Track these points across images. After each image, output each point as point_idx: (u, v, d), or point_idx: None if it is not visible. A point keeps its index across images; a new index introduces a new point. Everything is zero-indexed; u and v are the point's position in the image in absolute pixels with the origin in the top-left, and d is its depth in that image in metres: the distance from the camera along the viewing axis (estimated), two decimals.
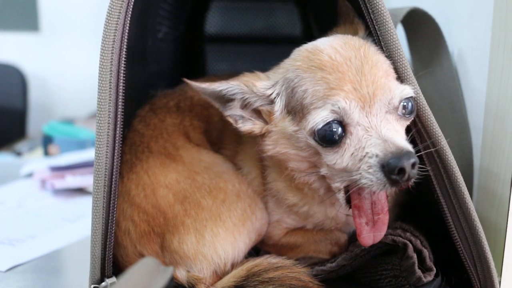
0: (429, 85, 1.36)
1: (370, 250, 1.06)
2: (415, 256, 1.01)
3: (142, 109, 1.27)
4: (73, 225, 1.55)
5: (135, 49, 1.15)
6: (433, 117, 0.97)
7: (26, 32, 3.81)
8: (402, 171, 0.82)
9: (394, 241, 1.03)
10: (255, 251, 1.15)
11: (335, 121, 0.88)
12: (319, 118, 0.88)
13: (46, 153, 2.34)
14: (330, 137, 0.88)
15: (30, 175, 1.98)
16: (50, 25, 3.79)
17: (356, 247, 1.07)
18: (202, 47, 1.94)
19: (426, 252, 1.02)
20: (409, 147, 0.87)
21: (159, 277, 0.69)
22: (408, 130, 1.01)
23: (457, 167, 0.99)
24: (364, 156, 0.85)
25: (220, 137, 1.23)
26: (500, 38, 1.16)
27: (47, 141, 2.32)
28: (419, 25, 1.38)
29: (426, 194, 1.06)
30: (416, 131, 0.99)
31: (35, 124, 3.58)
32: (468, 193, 1.00)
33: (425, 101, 0.97)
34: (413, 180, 0.85)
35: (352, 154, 0.87)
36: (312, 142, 0.91)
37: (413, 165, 0.82)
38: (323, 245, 1.13)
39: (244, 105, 1.02)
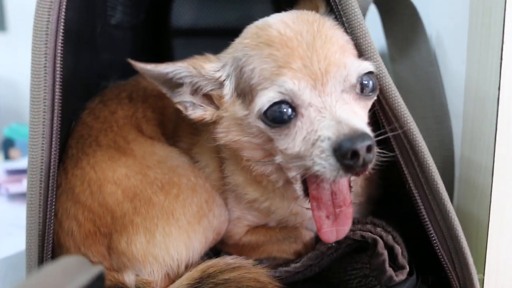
0: (406, 71, 1.33)
1: (338, 248, 1.02)
2: (385, 253, 0.97)
3: (92, 101, 1.23)
4: None
5: (80, 34, 1.11)
6: (400, 97, 0.94)
7: None
8: (355, 154, 0.77)
9: (363, 237, 0.99)
10: (215, 253, 1.11)
11: (284, 102, 0.84)
12: (265, 99, 0.84)
13: (7, 157, 2.29)
14: (279, 118, 0.84)
15: None
16: (17, 24, 3.75)
17: (323, 245, 1.04)
18: (168, 41, 1.90)
19: (398, 249, 0.99)
20: (365, 128, 0.82)
21: (78, 277, 0.65)
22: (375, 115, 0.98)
23: (428, 152, 0.96)
24: (317, 139, 0.81)
25: (176, 129, 1.20)
26: (478, 17, 1.13)
27: (8, 144, 2.28)
28: (395, 6, 1.35)
29: (399, 187, 1.03)
30: (383, 113, 0.96)
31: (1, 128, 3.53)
32: (441, 181, 0.96)
33: (390, 79, 0.93)
34: (370, 166, 0.81)
35: (304, 137, 0.83)
36: (261, 125, 0.87)
37: (368, 148, 0.78)
38: (287, 244, 1.09)
39: (194, 90, 0.98)
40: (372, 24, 1.33)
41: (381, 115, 0.96)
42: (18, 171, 1.86)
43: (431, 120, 1.27)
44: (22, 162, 2.06)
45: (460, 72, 1.21)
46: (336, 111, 0.82)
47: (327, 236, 0.90)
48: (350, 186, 0.92)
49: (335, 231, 0.90)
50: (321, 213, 0.90)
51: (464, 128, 1.20)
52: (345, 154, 0.77)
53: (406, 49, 1.35)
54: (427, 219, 0.99)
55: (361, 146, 0.77)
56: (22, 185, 1.78)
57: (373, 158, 0.80)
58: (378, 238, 0.98)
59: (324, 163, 0.80)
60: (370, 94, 0.89)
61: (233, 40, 0.99)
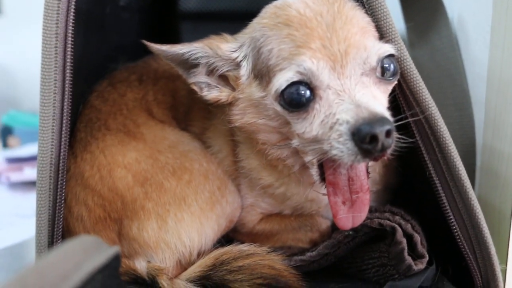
0: (426, 56, 1.35)
1: (355, 236, 1.04)
2: (404, 241, 0.99)
3: (100, 84, 1.26)
4: (30, 221, 1.53)
5: (89, 15, 1.13)
6: (422, 81, 0.96)
7: None
8: (374, 139, 0.79)
9: (381, 225, 1.01)
10: (227, 241, 1.13)
11: (302, 83, 0.86)
12: (283, 79, 0.86)
13: (5, 145, 2.32)
14: (297, 100, 0.86)
15: None
16: (14, 8, 3.78)
17: (339, 233, 1.06)
18: (176, 24, 1.92)
19: (417, 237, 1.01)
20: (384, 112, 0.84)
21: (97, 255, 0.67)
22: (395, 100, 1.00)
23: (451, 138, 0.98)
24: (335, 123, 0.83)
25: (188, 113, 1.22)
26: (502, 0, 1.15)
27: (6, 132, 2.31)
28: None
29: (419, 174, 1.05)
30: (403, 98, 0.98)
31: None
32: (463, 168, 0.98)
33: (412, 63, 0.95)
34: (389, 151, 0.83)
35: (322, 121, 0.85)
36: (278, 108, 0.89)
37: (387, 133, 0.80)
38: (302, 233, 1.11)
39: (210, 71, 1.01)
40: (390, 7, 1.34)
41: (401, 99, 0.98)
42: (18, 159, 1.89)
43: (452, 107, 1.29)
44: (21, 150, 2.09)
45: (482, 57, 1.23)
46: (355, 94, 0.84)
47: (343, 223, 0.92)
48: (367, 172, 0.94)
49: (351, 217, 0.92)
50: (337, 198, 0.92)
51: (486, 116, 1.22)
52: (364, 138, 0.79)
53: (426, 33, 1.36)
54: (448, 207, 1.00)
55: (380, 131, 0.79)
56: (22, 174, 1.81)
57: (392, 143, 0.82)
58: (396, 226, 1.00)
59: (342, 147, 0.82)
60: (391, 78, 0.91)
61: (243, 25, 1.02)
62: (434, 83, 1.32)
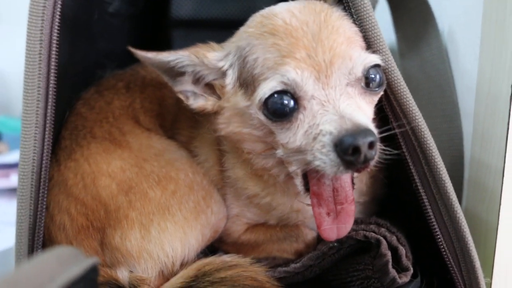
0: (416, 67, 1.35)
1: (340, 248, 1.04)
2: (389, 254, 0.99)
3: (87, 91, 1.26)
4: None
5: (76, 21, 1.13)
6: (409, 92, 0.96)
7: None
8: (357, 150, 0.79)
9: (366, 237, 1.01)
10: (212, 251, 1.13)
11: (286, 93, 0.86)
12: (266, 88, 0.86)
13: None
14: (280, 110, 0.87)
15: None
16: (9, 13, 3.78)
17: (324, 245, 1.06)
18: (168, 32, 1.92)
19: (402, 250, 1.01)
20: (368, 124, 0.85)
21: (72, 266, 0.67)
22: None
23: (437, 151, 0.98)
24: (318, 134, 0.83)
25: (175, 121, 1.22)
26: (492, 13, 1.15)
27: None
28: None
29: (406, 186, 1.05)
30: (390, 109, 0.98)
31: None
32: (449, 181, 0.98)
33: (399, 74, 0.95)
34: (372, 163, 0.83)
35: (306, 131, 0.85)
36: (262, 117, 0.90)
37: (370, 145, 0.80)
38: (287, 243, 1.11)
39: (196, 80, 1.01)
40: (381, 17, 1.35)
41: (388, 110, 0.99)
42: (5, 166, 1.88)
43: (441, 119, 1.30)
44: (9, 157, 2.08)
45: (472, 69, 1.23)
46: (339, 105, 0.84)
47: (327, 234, 0.92)
48: (353, 183, 0.94)
49: (335, 228, 0.92)
50: (321, 209, 0.92)
51: (474, 128, 1.22)
52: (346, 150, 0.79)
53: (416, 44, 1.37)
54: (433, 220, 1.00)
55: (363, 142, 0.79)
56: (9, 180, 1.80)
57: (375, 155, 0.82)
58: (381, 238, 1.00)
59: (324, 158, 0.82)
60: (377, 89, 0.91)
61: (235, 33, 1.02)
62: (423, 94, 1.33)
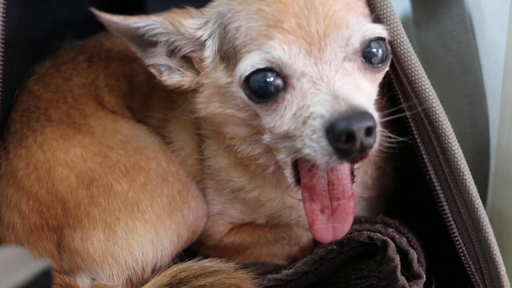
0: (434, 38, 1.36)
1: (340, 252, 1.06)
2: (397, 258, 1.01)
3: (41, 65, 1.26)
4: None
5: None
6: (421, 68, 0.96)
7: None
8: (351, 137, 0.79)
9: (370, 238, 1.03)
10: (190, 256, 1.14)
11: (271, 70, 0.86)
12: (247, 63, 0.87)
13: None
14: (264, 90, 0.87)
15: None
16: None
17: (322, 248, 1.07)
18: None
19: (413, 254, 1.02)
20: (367, 106, 0.84)
21: (19, 271, 0.67)
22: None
23: (455, 136, 0.99)
24: (309, 117, 0.83)
25: (145, 101, 1.23)
26: None
27: None
28: None
29: (418, 178, 1.06)
30: (399, 87, 0.99)
31: None
32: (469, 172, 0.99)
33: (409, 45, 0.96)
34: (370, 152, 0.83)
35: (295, 114, 0.86)
36: (244, 96, 0.90)
37: (368, 131, 0.80)
38: (279, 246, 1.13)
39: (171, 51, 1.01)
40: None
41: (397, 89, 1.00)
42: None
43: (462, 100, 1.30)
44: None
45: (499, 42, 1.24)
46: (334, 83, 0.85)
47: (320, 234, 0.93)
48: (352, 175, 0.95)
49: (331, 228, 0.93)
50: (314, 205, 0.93)
51: (502, 111, 1.23)
52: (339, 136, 0.79)
53: (435, 11, 1.37)
54: (450, 218, 1.02)
55: (358, 127, 0.79)
56: None
57: (374, 142, 0.82)
58: (389, 240, 1.01)
59: (315, 146, 0.83)
60: (380, 65, 0.92)
61: None
62: (442, 71, 1.34)
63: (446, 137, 0.98)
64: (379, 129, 0.85)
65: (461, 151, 0.99)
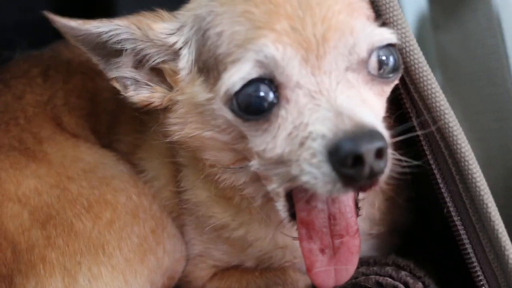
0: (455, 42, 1.38)
1: None
2: None
3: None
4: None
5: None
6: (434, 80, 0.98)
7: None
8: (359, 161, 0.79)
9: (379, 284, 1.05)
10: None
11: (264, 81, 0.88)
12: (236, 75, 0.87)
13: None
14: (256, 105, 0.88)
15: None
16: None
17: None
18: None
19: None
20: (376, 124, 0.85)
21: None
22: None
23: (476, 163, 0.99)
24: (307, 137, 0.84)
25: (113, 123, 1.25)
26: None
27: None
28: None
29: (435, 210, 1.08)
30: (410, 102, 1.01)
31: None
32: (494, 205, 1.00)
33: (421, 54, 0.97)
34: (381, 178, 0.84)
35: (290, 134, 0.87)
36: (229, 115, 0.91)
37: (378, 153, 0.80)
38: None
39: (138, 62, 1.03)
40: None
41: (407, 105, 1.02)
42: None
43: (490, 117, 1.32)
44: None
45: None
46: (336, 97, 0.86)
47: (321, 279, 0.94)
48: (357, 207, 0.97)
49: (333, 271, 0.94)
50: (312, 245, 0.94)
51: None
52: (344, 160, 0.80)
53: (457, 10, 1.39)
54: (474, 260, 1.03)
55: (368, 149, 0.79)
56: None
57: (385, 167, 0.83)
58: (401, 286, 1.03)
59: (315, 172, 0.83)
60: (390, 75, 0.94)
61: None
62: (465, 81, 1.36)
63: (466, 163, 0.99)
64: (390, 151, 0.85)
65: (483, 180, 1.00)
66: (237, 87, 0.88)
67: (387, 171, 0.85)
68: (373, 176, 0.81)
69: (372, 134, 0.81)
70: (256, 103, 0.88)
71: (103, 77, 1.12)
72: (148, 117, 1.13)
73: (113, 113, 1.24)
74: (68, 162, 1.15)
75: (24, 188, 1.11)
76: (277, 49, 0.86)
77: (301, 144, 0.84)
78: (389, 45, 0.93)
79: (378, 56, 0.92)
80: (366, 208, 1.08)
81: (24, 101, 1.22)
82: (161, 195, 1.17)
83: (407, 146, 0.97)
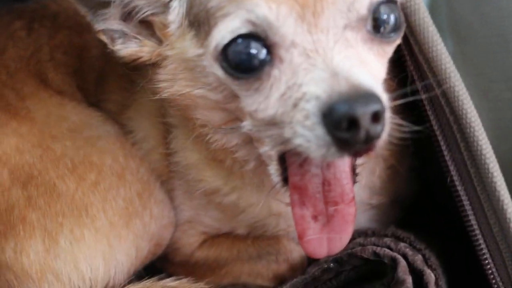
0: (466, 4, 1.37)
1: (339, 272, 1.07)
2: (409, 280, 1.02)
3: None
4: None
5: None
6: (440, 41, 0.98)
7: None
8: (354, 124, 0.79)
9: (376, 254, 1.05)
10: (153, 273, 1.15)
11: (255, 37, 0.88)
12: (225, 30, 0.88)
13: None
14: (246, 63, 0.88)
15: None
16: None
17: (317, 266, 1.09)
18: None
19: (430, 276, 1.04)
20: (373, 85, 0.85)
21: None
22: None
23: (482, 129, 0.99)
24: (300, 98, 0.84)
25: (101, 81, 1.25)
26: None
27: None
28: None
29: (438, 180, 1.08)
30: (413, 64, 1.01)
31: None
32: (500, 175, 1.01)
33: (426, 13, 0.97)
34: (378, 143, 0.83)
35: (283, 94, 0.87)
36: (219, 73, 0.91)
37: (375, 116, 0.80)
38: (264, 264, 1.15)
39: (127, 14, 1.03)
40: None
41: (411, 67, 1.02)
42: None
43: (503, 85, 1.31)
44: None
45: None
46: (333, 57, 0.86)
47: (312, 247, 0.95)
48: (354, 174, 0.96)
49: (325, 240, 0.94)
50: (305, 211, 0.94)
51: None
52: (339, 122, 0.80)
53: None
54: (477, 232, 1.04)
55: (363, 112, 0.79)
56: None
57: (382, 131, 0.83)
58: (399, 257, 1.03)
59: (308, 135, 0.83)
60: (391, 35, 0.93)
61: None
62: (477, 47, 1.35)
63: (472, 129, 1.00)
64: (388, 115, 0.85)
65: (490, 148, 1.00)
66: (225, 41, 0.88)
67: (384, 136, 0.85)
68: (369, 140, 0.81)
69: (369, 97, 0.81)
70: (247, 61, 0.88)
71: (91, 33, 1.12)
72: (137, 73, 1.12)
73: (101, 70, 1.24)
74: (52, 121, 1.15)
75: (4, 147, 1.11)
76: (270, 9, 0.86)
77: (295, 105, 0.85)
78: (390, 2, 0.92)
79: (379, 13, 0.91)
80: (366, 176, 1.08)
81: (6, 55, 1.22)
82: (150, 157, 1.17)
83: (410, 111, 0.97)
